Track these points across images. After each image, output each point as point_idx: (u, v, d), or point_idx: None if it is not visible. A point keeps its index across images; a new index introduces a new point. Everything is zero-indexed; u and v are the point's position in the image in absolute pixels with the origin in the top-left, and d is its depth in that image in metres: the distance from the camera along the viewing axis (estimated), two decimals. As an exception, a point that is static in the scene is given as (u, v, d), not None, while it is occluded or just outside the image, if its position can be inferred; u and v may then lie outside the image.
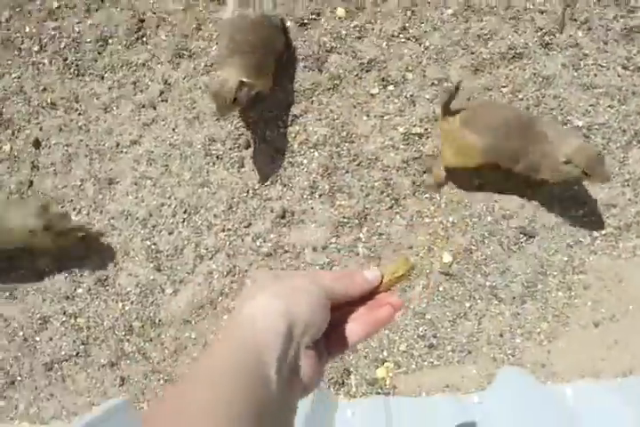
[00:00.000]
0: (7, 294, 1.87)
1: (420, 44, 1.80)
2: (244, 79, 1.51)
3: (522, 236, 1.75)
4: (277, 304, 0.44)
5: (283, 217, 1.77)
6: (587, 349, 1.68)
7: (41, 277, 1.85)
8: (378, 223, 1.77)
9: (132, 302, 1.80)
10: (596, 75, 1.77)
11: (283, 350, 0.41)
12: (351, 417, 1.46)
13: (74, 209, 1.85)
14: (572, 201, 1.74)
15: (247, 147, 1.80)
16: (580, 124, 1.76)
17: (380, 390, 1.64)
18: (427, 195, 1.77)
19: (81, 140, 1.88)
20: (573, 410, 1.40)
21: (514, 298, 1.72)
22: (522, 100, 1.79)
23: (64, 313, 1.82)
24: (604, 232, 1.74)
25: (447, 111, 1.62)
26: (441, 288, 1.73)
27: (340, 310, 0.52)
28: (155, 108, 1.85)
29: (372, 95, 1.80)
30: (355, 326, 0.52)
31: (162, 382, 1.73)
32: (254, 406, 0.37)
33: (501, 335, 1.70)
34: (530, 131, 1.54)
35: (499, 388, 1.55)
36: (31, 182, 1.90)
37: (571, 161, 1.47)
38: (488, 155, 1.58)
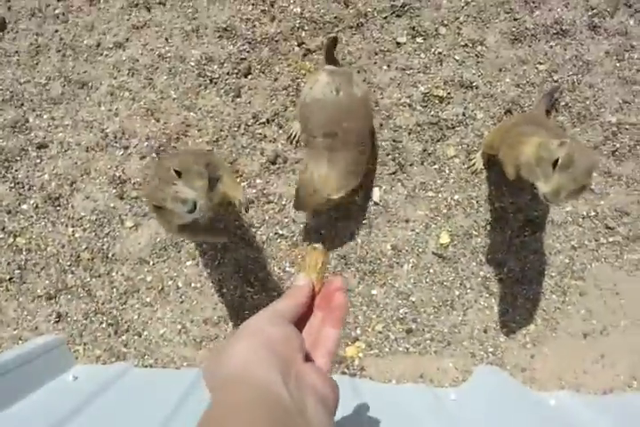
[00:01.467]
0: None
1: (462, -2, 1.60)
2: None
3: (527, 229, 1.59)
4: (258, 344, 0.47)
5: (273, 162, 1.54)
6: (571, 359, 1.54)
7: None
8: (376, 188, 1.56)
9: (84, 230, 1.52)
10: (638, 70, 1.63)
11: (284, 373, 0.44)
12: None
13: (32, 110, 1.55)
14: (585, 201, 1.58)
15: (247, 74, 1.55)
16: (612, 119, 1.61)
17: (345, 370, 1.44)
18: (436, 166, 1.58)
19: (56, 31, 1.58)
20: (553, 420, 1.24)
21: (506, 294, 1.56)
22: (556, 81, 1.62)
23: (2, 229, 1.53)
24: (611, 240, 1.60)
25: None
26: (431, 270, 1.54)
27: (304, 319, 0.57)
28: (149, 10, 1.57)
29: (397, 44, 1.59)
30: (328, 330, 0.56)
31: (104, 325, 1.47)
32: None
33: (485, 331, 1.53)
34: None
35: (478, 387, 1.39)
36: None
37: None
38: None
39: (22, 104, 1.56)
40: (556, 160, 1.03)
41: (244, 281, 1.52)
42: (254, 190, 1.53)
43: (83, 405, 1.13)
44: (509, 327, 1.54)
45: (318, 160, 1.31)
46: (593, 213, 1.60)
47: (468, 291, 1.54)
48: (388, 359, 1.48)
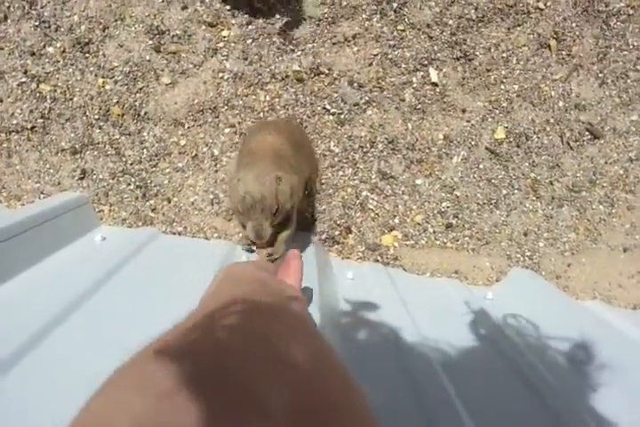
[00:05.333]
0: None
1: None
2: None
3: (587, 133, 1.49)
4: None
5: (332, 22, 1.38)
6: (608, 271, 1.49)
7: (4, 16, 1.38)
8: (437, 71, 1.44)
9: (115, 82, 1.39)
10: None
11: None
12: (351, 279, 1.20)
13: None
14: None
15: None
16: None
17: (378, 258, 1.39)
18: (505, 54, 1.44)
19: None
20: (591, 326, 1.20)
21: (553, 199, 1.48)
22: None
23: (25, 73, 1.38)
24: (671, 156, 1.50)
25: None
26: (481, 166, 1.45)
27: None
28: None
29: None
30: None
31: (132, 187, 1.38)
32: None
33: (525, 235, 1.47)
34: None
35: (516, 289, 1.35)
36: None
37: None
38: None
39: None
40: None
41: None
42: (305, 61, 1.40)
43: (115, 267, 1.05)
44: (550, 233, 1.48)
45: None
46: (658, 125, 1.49)
47: (515, 191, 1.46)
48: (423, 252, 1.43)
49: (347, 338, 0.90)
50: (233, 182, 0.97)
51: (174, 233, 1.37)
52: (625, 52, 1.50)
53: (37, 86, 1.37)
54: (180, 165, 1.39)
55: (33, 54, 1.37)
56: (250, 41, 1.40)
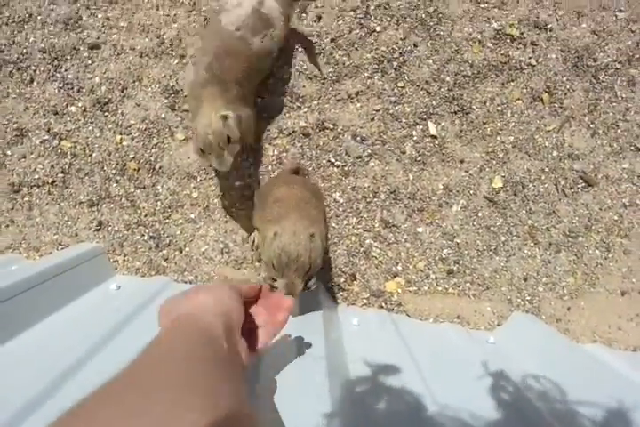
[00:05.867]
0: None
1: None
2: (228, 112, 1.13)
3: (581, 181, 1.55)
4: (215, 302, 0.53)
5: (337, 81, 1.47)
6: (607, 315, 1.53)
7: (31, 79, 1.48)
8: (435, 125, 1.51)
9: (132, 139, 1.47)
10: None
11: (226, 329, 0.50)
12: (357, 326, 1.24)
13: (87, 8, 1.48)
14: (645, 159, 1.54)
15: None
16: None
17: (383, 304, 1.43)
18: (500, 107, 1.52)
19: None
20: (591, 369, 1.24)
21: (550, 244, 1.53)
22: (633, 32, 1.55)
23: (48, 130, 1.48)
24: (664, 201, 1.56)
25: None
26: (480, 214, 1.51)
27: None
28: None
29: (478, -25, 1.50)
30: (261, 332, 0.65)
31: (145, 237, 1.45)
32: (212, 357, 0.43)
33: (525, 280, 1.52)
34: None
35: (517, 333, 1.39)
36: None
37: None
38: None
39: (76, 0, 1.48)
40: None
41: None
42: (311, 119, 1.48)
43: (130, 316, 1.09)
44: (549, 278, 1.53)
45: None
46: (650, 173, 1.55)
47: (514, 238, 1.52)
48: (426, 298, 1.48)
49: (353, 390, 0.94)
50: (269, 237, 0.98)
51: (186, 282, 1.43)
52: (614, 104, 1.58)
53: (59, 143, 1.46)
54: (192, 216, 1.46)
55: (56, 113, 1.46)
56: (259, 100, 1.48)
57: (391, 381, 0.95)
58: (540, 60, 1.56)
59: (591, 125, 1.56)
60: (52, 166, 1.46)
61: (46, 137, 1.47)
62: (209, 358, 0.42)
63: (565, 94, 1.56)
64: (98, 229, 1.45)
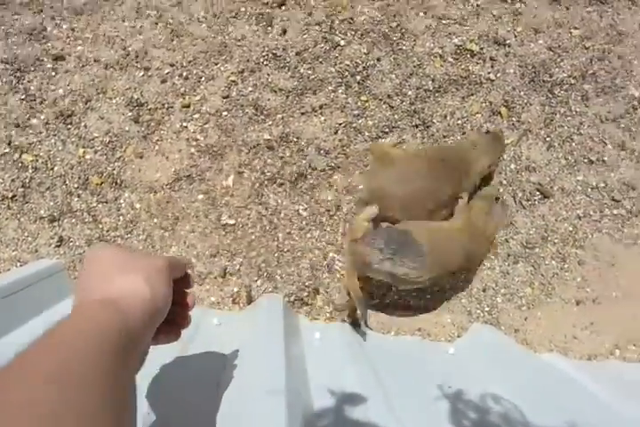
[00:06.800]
0: None
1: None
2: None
3: (537, 193, 1.59)
4: (145, 290, 0.50)
5: (301, 94, 1.47)
6: (562, 324, 1.58)
7: None
8: (397, 138, 1.53)
9: (95, 152, 1.44)
10: (669, 46, 1.62)
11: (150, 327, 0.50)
12: (319, 340, 1.25)
13: (52, 18, 1.43)
14: (596, 172, 1.60)
15: (281, 5, 1.46)
16: (635, 93, 1.61)
17: (345, 319, 1.44)
18: (460, 121, 1.55)
19: None
20: (549, 378, 1.28)
21: (508, 256, 1.57)
22: (587, 49, 1.60)
23: (9, 144, 1.43)
24: (615, 212, 1.62)
25: None
26: (440, 226, 1.53)
27: None
28: None
29: (438, -9, 1.53)
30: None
31: (106, 253, 1.40)
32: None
33: (484, 291, 1.55)
34: None
35: (476, 344, 1.42)
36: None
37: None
38: None
39: (42, 10, 1.44)
40: None
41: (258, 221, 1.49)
42: (275, 131, 1.47)
43: None
44: (507, 289, 1.56)
45: None
46: (602, 185, 1.61)
47: (474, 250, 1.54)
48: (387, 311, 1.49)
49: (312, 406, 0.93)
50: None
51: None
52: (569, 118, 1.63)
53: (20, 156, 1.42)
54: (155, 232, 1.43)
55: (17, 126, 1.43)
56: (225, 113, 1.47)
57: (356, 411, 0.94)
58: (498, 75, 1.59)
59: (547, 139, 1.61)
60: (13, 180, 1.41)
61: (7, 150, 1.42)
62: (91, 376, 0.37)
63: (523, 108, 1.60)
64: (58, 246, 1.40)
